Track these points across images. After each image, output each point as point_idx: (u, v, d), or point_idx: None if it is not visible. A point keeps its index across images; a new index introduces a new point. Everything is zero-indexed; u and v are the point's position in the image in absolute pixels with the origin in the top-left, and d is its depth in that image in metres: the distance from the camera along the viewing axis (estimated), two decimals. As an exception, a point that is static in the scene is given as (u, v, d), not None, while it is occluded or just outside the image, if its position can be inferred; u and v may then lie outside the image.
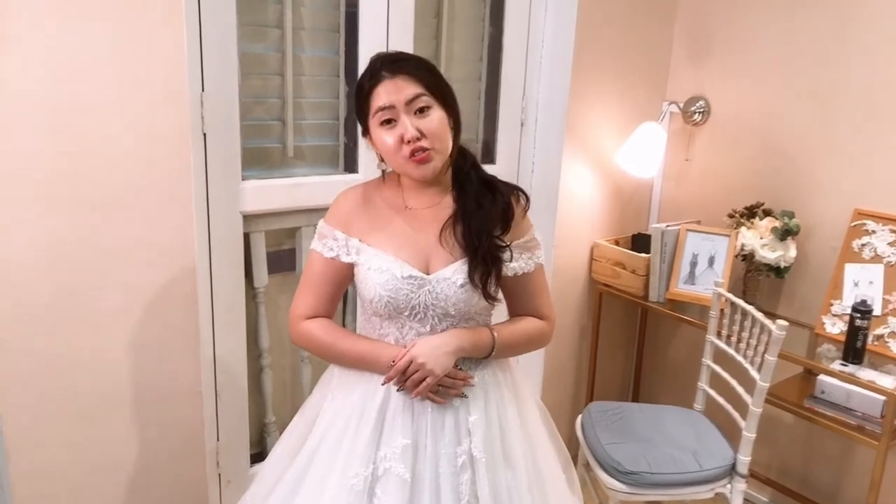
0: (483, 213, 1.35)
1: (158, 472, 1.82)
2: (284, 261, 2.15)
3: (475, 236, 1.34)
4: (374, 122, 1.33)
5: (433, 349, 1.31)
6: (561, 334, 2.67)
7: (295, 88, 2.03)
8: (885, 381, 1.95)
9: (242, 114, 1.89)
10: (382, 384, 1.34)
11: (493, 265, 1.34)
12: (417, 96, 1.31)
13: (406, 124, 1.29)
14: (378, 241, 1.37)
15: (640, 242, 2.62)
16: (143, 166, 1.63)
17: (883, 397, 1.92)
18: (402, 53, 1.39)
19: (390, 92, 1.30)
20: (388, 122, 1.31)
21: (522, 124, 2.52)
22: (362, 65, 2.04)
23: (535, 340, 1.49)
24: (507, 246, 1.38)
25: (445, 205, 1.39)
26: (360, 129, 1.41)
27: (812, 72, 2.31)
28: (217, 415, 2.00)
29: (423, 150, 1.30)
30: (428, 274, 1.35)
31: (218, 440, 2.02)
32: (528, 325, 1.47)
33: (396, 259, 1.34)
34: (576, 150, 2.51)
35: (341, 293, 1.47)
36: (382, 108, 1.30)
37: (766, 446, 2.57)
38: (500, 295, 1.44)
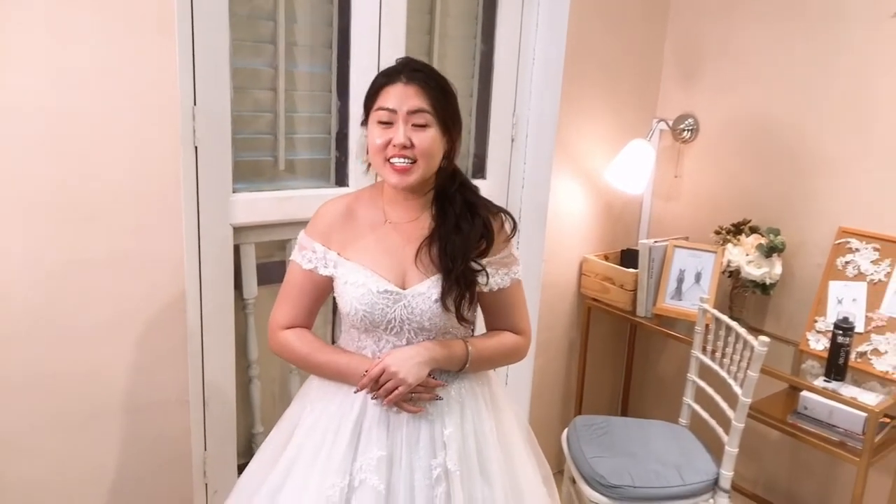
0: (461, 237, 1.37)
1: (146, 480, 1.84)
2: (274, 272, 2.17)
3: (450, 259, 1.35)
4: (373, 116, 1.36)
5: (406, 359, 1.33)
6: (549, 348, 2.69)
7: (287, 103, 2.07)
8: (867, 397, 1.96)
9: (235, 127, 1.92)
10: (355, 392, 1.36)
11: (467, 289, 1.36)
12: (420, 111, 1.33)
13: (399, 131, 1.32)
14: (356, 256, 1.39)
15: (629, 258, 2.65)
16: (134, 178, 1.66)
17: (864, 414, 1.93)
18: (427, 66, 1.40)
19: (398, 97, 1.33)
20: (386, 123, 1.34)
21: (513, 140, 2.55)
22: (354, 80, 2.12)
23: (510, 355, 1.51)
24: (483, 269, 1.39)
25: (424, 221, 1.41)
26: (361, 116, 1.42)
27: (799, 92, 2.35)
28: (205, 424, 2.02)
29: (406, 160, 1.33)
30: (404, 289, 1.37)
31: (205, 450, 2.03)
32: (503, 339, 1.49)
33: (373, 274, 1.36)
34: (566, 166, 2.54)
35: (319, 305, 1.49)
36: (384, 109, 1.33)
37: (752, 462, 2.59)
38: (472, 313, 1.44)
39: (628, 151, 2.55)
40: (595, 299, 2.66)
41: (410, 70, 1.35)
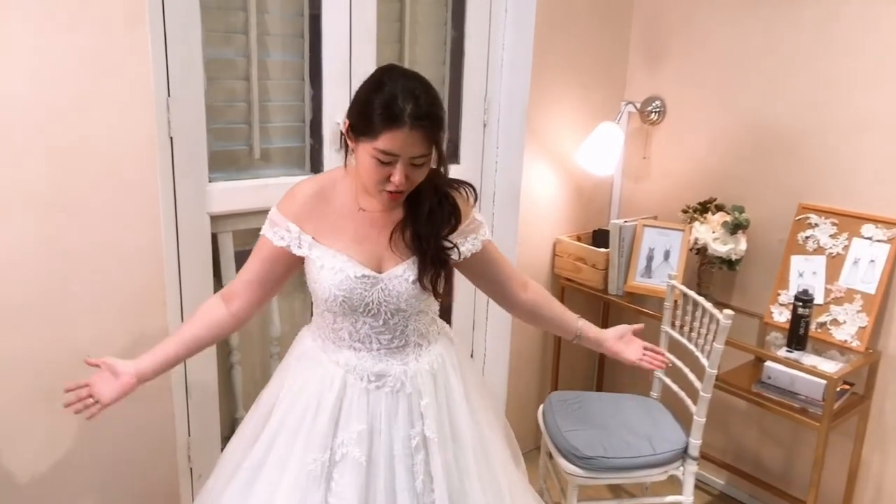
0: (432, 219, 1.40)
1: (131, 465, 1.88)
2: (253, 260, 2.21)
3: (423, 241, 1.39)
4: (368, 145, 1.30)
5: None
6: (525, 328, 2.75)
7: (261, 92, 2.09)
8: (827, 366, 2.06)
9: (209, 117, 1.95)
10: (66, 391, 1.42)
11: (442, 267, 1.41)
12: (423, 155, 1.31)
13: (399, 173, 1.30)
14: (331, 241, 1.42)
15: (601, 238, 2.72)
16: (110, 169, 1.69)
17: (824, 381, 2.02)
18: (431, 107, 1.30)
19: (402, 145, 1.28)
20: (384, 162, 1.30)
21: (485, 125, 2.59)
22: (326, 68, 2.14)
23: (551, 298, 1.71)
24: (454, 246, 1.44)
25: (397, 209, 1.44)
26: (345, 123, 1.37)
27: (760, 72, 2.42)
28: (188, 410, 2.06)
29: (400, 192, 1.34)
30: (380, 273, 1.41)
31: (189, 435, 2.07)
32: (556, 302, 1.71)
33: (349, 259, 1.40)
34: (537, 149, 2.60)
35: (281, 281, 1.49)
36: (386, 152, 1.29)
37: (721, 432, 2.68)
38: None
39: (597, 134, 2.61)
40: (568, 279, 2.73)
41: (417, 116, 1.27)
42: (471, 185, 1.51)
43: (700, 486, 2.76)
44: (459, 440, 1.48)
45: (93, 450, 1.80)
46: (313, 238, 1.43)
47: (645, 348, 1.71)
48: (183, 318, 1.98)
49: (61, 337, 1.70)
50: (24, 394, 1.67)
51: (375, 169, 1.31)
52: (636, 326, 1.72)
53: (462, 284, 2.63)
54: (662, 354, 1.72)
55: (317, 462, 1.37)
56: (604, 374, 3.02)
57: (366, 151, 1.32)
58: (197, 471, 2.12)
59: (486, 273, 1.56)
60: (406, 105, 1.26)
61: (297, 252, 1.44)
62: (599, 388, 3.02)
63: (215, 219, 2.02)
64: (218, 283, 2.10)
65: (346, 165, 1.45)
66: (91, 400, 1.42)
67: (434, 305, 1.52)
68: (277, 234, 1.44)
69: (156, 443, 1.91)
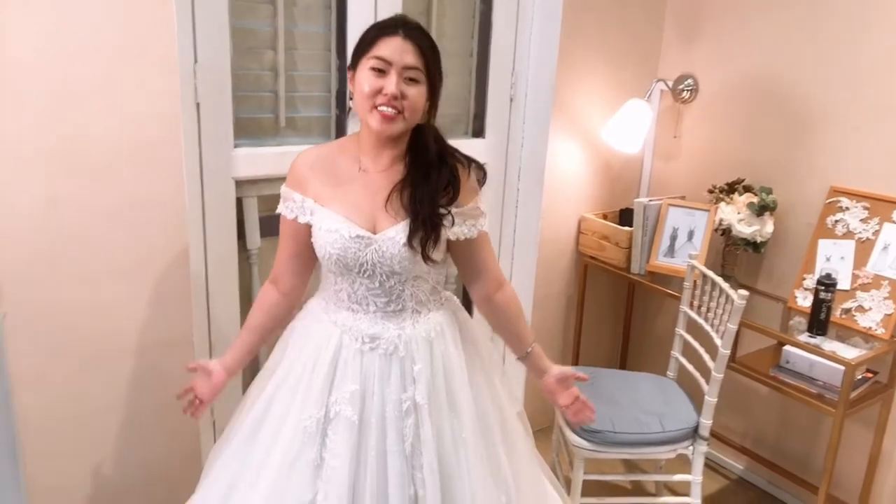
0: (430, 183, 1.43)
1: (153, 416, 1.97)
2: (276, 225, 2.26)
3: (418, 203, 1.42)
4: (364, 64, 1.40)
5: None
6: (546, 304, 2.77)
7: (287, 62, 2.14)
8: (848, 352, 2.01)
9: (236, 86, 2.01)
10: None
11: (433, 230, 1.42)
12: (414, 67, 1.39)
13: (393, 81, 1.37)
14: (331, 203, 1.46)
15: (627, 217, 2.70)
16: (137, 132, 1.76)
17: (842, 367, 1.98)
18: (421, 27, 1.45)
19: (396, 50, 1.38)
20: (379, 71, 1.39)
21: (512, 100, 2.59)
22: (352, 40, 2.15)
23: (520, 311, 1.64)
24: (449, 213, 1.45)
25: (397, 171, 1.47)
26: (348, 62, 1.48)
27: (795, 51, 2.35)
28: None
29: (394, 109, 1.38)
30: (375, 234, 1.44)
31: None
32: (516, 313, 1.63)
33: (345, 220, 1.43)
34: (564, 125, 2.59)
35: (308, 255, 1.55)
36: (381, 59, 1.38)
37: (742, 417, 2.65)
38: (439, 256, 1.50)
39: (625, 111, 2.58)
40: (592, 257, 2.72)
41: (408, 27, 1.41)
42: (479, 165, 1.53)
43: (718, 470, 2.74)
44: (457, 410, 1.50)
45: (118, 397, 1.90)
46: (314, 201, 1.48)
47: (577, 399, 1.64)
48: (207, 280, 2.07)
49: (90, 288, 1.79)
50: (53, 338, 1.77)
51: (372, 81, 1.38)
52: (581, 375, 1.64)
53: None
54: (591, 410, 1.65)
55: (312, 419, 1.43)
56: (627, 353, 3.01)
57: (364, 68, 1.40)
58: (220, 425, 2.21)
59: (470, 261, 1.56)
60: (398, 21, 1.42)
61: (303, 220, 1.49)
62: (622, 368, 3.01)
63: (240, 184, 2.09)
64: (242, 246, 2.18)
65: (347, 112, 1.50)
66: (197, 401, 1.59)
67: (436, 275, 1.54)
68: (288, 207, 1.51)
69: (175, 395, 2.00)
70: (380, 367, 1.45)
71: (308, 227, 1.50)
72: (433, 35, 2.32)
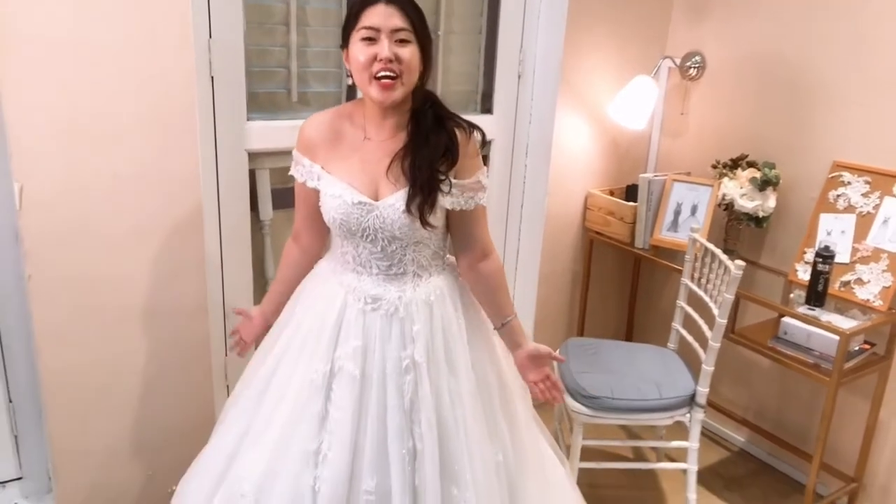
0: (429, 148, 1.48)
1: (170, 378, 2.06)
2: (289, 197, 2.33)
3: (417, 169, 1.47)
4: (355, 37, 1.45)
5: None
6: (552, 278, 2.82)
7: (299, 38, 2.21)
8: (845, 324, 2.05)
9: (249, 61, 2.08)
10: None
11: (430, 195, 1.47)
12: (402, 29, 1.43)
13: (385, 46, 1.42)
14: (337, 170, 1.53)
15: (634, 193, 2.73)
16: (155, 104, 1.84)
17: (838, 337, 2.02)
18: None
19: (381, 16, 1.42)
20: (369, 40, 1.43)
21: (520, 76, 2.64)
22: (345, 14, 2.23)
23: (503, 282, 1.67)
24: (446, 178, 1.50)
25: (400, 139, 1.53)
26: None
27: (801, 30, 2.36)
28: (225, 333, 2.24)
29: (391, 75, 1.42)
30: (377, 200, 1.50)
31: (226, 356, 2.26)
32: (499, 285, 1.65)
33: (349, 187, 1.50)
34: (571, 102, 2.63)
35: (321, 214, 1.61)
36: (369, 28, 1.43)
37: (743, 390, 2.70)
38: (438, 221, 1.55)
39: (631, 87, 2.61)
40: (598, 232, 2.77)
41: None
42: (479, 128, 1.57)
43: (720, 442, 2.80)
44: (455, 370, 1.56)
45: (136, 360, 1.99)
46: (322, 167, 1.55)
47: (547, 377, 1.67)
48: (222, 249, 2.16)
49: (110, 254, 1.88)
50: (76, 302, 1.87)
51: (364, 51, 1.43)
52: (556, 356, 1.67)
53: (491, 235, 2.72)
54: (559, 391, 1.68)
55: (318, 373, 1.51)
56: (633, 327, 3.06)
57: (355, 42, 1.45)
58: (233, 387, 2.31)
59: (462, 230, 1.60)
60: None
61: (311, 184, 1.57)
62: (628, 340, 3.06)
63: (253, 156, 2.17)
64: (255, 217, 2.26)
65: (347, 89, 1.56)
66: (242, 341, 1.82)
67: (437, 241, 1.60)
68: (298, 171, 1.60)
69: (191, 359, 2.08)
70: (381, 326, 1.52)
71: (316, 191, 1.57)
72: (442, 13, 2.42)
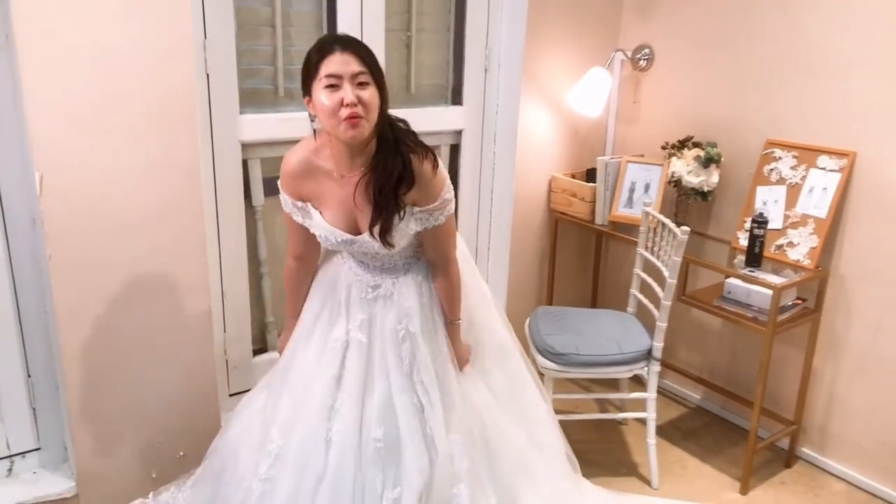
0: (386, 173, 1.63)
1: (174, 353, 2.24)
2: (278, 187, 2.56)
3: (377, 193, 1.63)
4: (318, 86, 1.57)
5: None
6: (522, 256, 3.07)
7: (284, 38, 2.42)
8: (778, 280, 2.32)
9: (240, 60, 2.28)
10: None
11: (386, 219, 1.63)
12: (361, 73, 1.57)
13: (348, 91, 1.55)
14: (322, 206, 1.74)
15: (594, 175, 2.99)
16: (158, 99, 2.03)
17: (771, 291, 2.29)
18: (350, 37, 1.64)
19: (340, 63, 1.55)
20: (333, 87, 1.55)
21: (486, 70, 2.88)
22: (341, 15, 2.46)
23: (456, 290, 1.85)
24: (403, 205, 1.66)
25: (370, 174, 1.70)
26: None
27: (737, 21, 2.64)
28: (223, 311, 2.44)
29: (357, 116, 1.55)
30: (358, 234, 1.72)
31: (225, 332, 2.46)
32: (451, 293, 1.85)
33: (332, 228, 1.72)
34: (534, 93, 2.87)
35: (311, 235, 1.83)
36: (331, 76, 1.55)
37: (697, 351, 2.97)
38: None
39: (588, 79, 2.87)
40: (562, 213, 3.02)
41: (341, 42, 1.59)
42: (431, 151, 1.69)
43: (678, 400, 3.07)
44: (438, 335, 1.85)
45: (146, 336, 2.17)
46: (311, 203, 1.76)
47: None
48: (219, 232, 2.35)
49: (120, 242, 2.06)
50: (93, 285, 2.05)
51: (330, 97, 1.55)
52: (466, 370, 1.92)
53: (465, 219, 2.95)
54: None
55: (339, 341, 1.80)
56: (597, 297, 3.32)
57: (318, 92, 1.58)
58: (232, 363, 2.51)
59: (427, 240, 1.79)
60: (332, 39, 1.61)
61: (297, 220, 1.80)
62: (593, 307, 3.31)
63: (246, 147, 2.37)
64: (248, 203, 2.46)
65: (314, 132, 1.71)
66: None
67: (408, 252, 1.83)
68: (288, 208, 1.81)
69: (195, 335, 2.26)
70: (381, 305, 1.80)
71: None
72: (413, 12, 2.65)
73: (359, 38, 1.72)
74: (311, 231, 1.79)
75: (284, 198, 1.80)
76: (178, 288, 2.21)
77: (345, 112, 1.55)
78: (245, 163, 2.41)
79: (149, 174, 2.07)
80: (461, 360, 1.89)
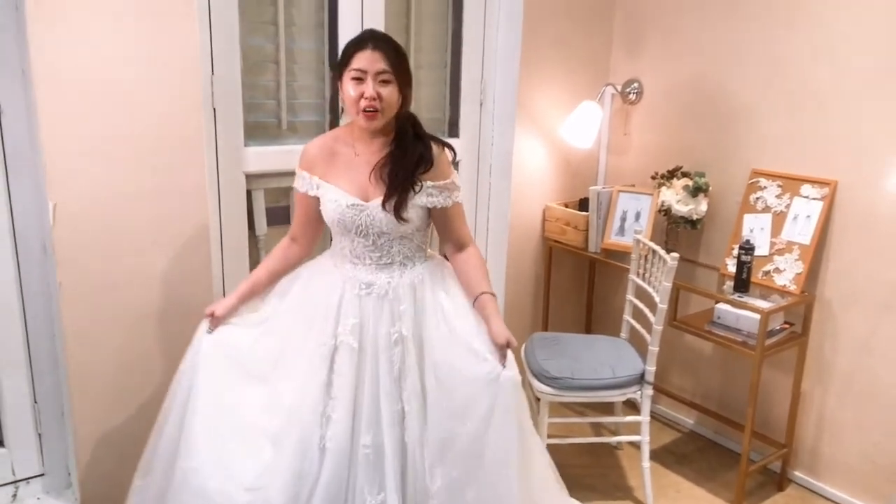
0: (406, 157, 1.82)
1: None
2: (280, 215, 2.64)
3: (394, 172, 1.81)
4: (347, 76, 1.79)
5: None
6: (518, 282, 3.14)
7: (287, 74, 2.52)
8: (765, 305, 2.40)
9: (245, 94, 2.37)
10: None
11: (402, 193, 1.80)
12: (384, 71, 1.77)
13: (370, 86, 1.76)
14: (333, 179, 1.87)
15: (585, 204, 3.08)
16: (168, 130, 2.12)
17: (759, 316, 2.36)
18: (387, 36, 1.84)
19: (368, 60, 1.76)
20: (358, 79, 1.77)
21: (482, 104, 2.98)
22: (341, 52, 2.55)
23: (483, 265, 1.98)
24: (419, 181, 1.81)
25: (384, 154, 1.86)
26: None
27: (721, 56, 2.76)
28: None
29: (374, 109, 1.77)
30: (367, 202, 1.83)
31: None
32: (477, 266, 1.95)
33: (344, 193, 1.84)
34: (527, 125, 2.98)
35: (317, 219, 1.95)
36: (358, 69, 1.76)
37: (691, 376, 3.03)
38: (412, 218, 1.83)
39: (579, 112, 2.98)
40: (556, 241, 3.10)
41: (375, 39, 1.80)
42: (451, 147, 1.92)
43: (672, 425, 3.12)
44: (423, 342, 1.86)
45: (150, 358, 2.22)
46: (321, 178, 1.87)
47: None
48: (223, 260, 2.42)
49: (129, 267, 2.13)
50: (100, 313, 2.11)
51: (354, 88, 1.77)
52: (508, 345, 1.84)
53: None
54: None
55: (325, 346, 1.81)
56: (591, 322, 3.38)
57: (346, 79, 1.79)
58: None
59: (443, 224, 1.94)
60: (368, 35, 1.81)
61: (312, 193, 1.90)
62: (587, 333, 3.37)
63: (250, 177, 2.45)
64: (252, 232, 2.53)
65: (341, 113, 1.88)
66: (216, 318, 1.94)
67: (420, 236, 1.92)
68: (300, 183, 1.92)
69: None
70: (374, 307, 1.83)
71: (316, 198, 1.89)
72: (412, 49, 2.76)
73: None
74: (322, 204, 1.86)
75: (300, 173, 1.91)
76: (183, 311, 2.26)
77: (364, 104, 1.76)
78: (249, 193, 2.48)
79: (157, 203, 2.15)
80: (501, 333, 1.81)
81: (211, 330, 1.92)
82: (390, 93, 1.79)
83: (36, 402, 2.21)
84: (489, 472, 1.77)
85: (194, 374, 1.87)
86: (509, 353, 1.82)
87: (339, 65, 1.84)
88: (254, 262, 2.56)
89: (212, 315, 1.93)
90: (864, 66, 2.37)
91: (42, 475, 2.27)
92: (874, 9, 2.33)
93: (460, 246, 1.97)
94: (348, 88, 1.79)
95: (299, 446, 1.75)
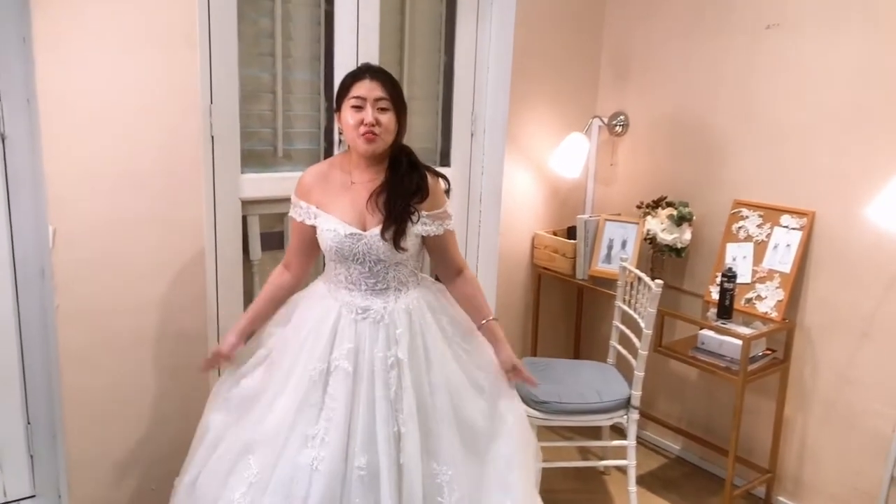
0: (402, 187, 1.89)
1: (173, 399, 2.32)
2: (275, 241, 2.69)
3: (391, 202, 1.87)
4: (346, 105, 1.87)
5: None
6: (508, 310, 3.19)
7: (284, 104, 2.59)
8: (747, 331, 2.46)
9: (242, 122, 2.44)
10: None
11: (400, 224, 1.86)
12: (382, 98, 1.86)
13: (369, 112, 1.84)
14: (330, 209, 1.91)
15: (573, 232, 3.15)
16: (166, 158, 2.18)
17: (741, 342, 2.42)
18: (381, 68, 1.93)
19: (367, 88, 1.85)
20: (357, 107, 1.85)
21: (472, 135, 3.06)
22: (337, 86, 2.63)
23: (480, 288, 2.07)
24: (416, 211, 1.88)
25: (379, 182, 1.92)
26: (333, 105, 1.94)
27: (703, 91, 2.87)
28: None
29: (374, 133, 1.85)
30: (364, 231, 1.88)
31: (220, 375, 2.52)
32: (475, 291, 2.05)
33: (341, 221, 1.88)
34: (517, 156, 3.06)
35: (312, 249, 2.00)
36: (357, 97, 1.85)
37: (677, 402, 3.08)
38: (410, 246, 1.90)
39: (567, 143, 3.07)
40: (545, 268, 3.17)
41: (373, 70, 1.90)
42: (445, 177, 2.00)
43: (659, 451, 3.16)
44: (431, 365, 1.91)
45: (146, 384, 2.25)
46: (318, 207, 1.93)
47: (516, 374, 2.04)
48: (218, 285, 2.46)
49: (126, 290, 2.17)
50: (96, 336, 2.14)
51: (353, 115, 1.85)
52: (524, 377, 2.06)
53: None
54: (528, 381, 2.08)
55: (316, 370, 1.84)
56: (580, 348, 3.43)
57: (346, 110, 1.87)
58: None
59: (438, 252, 2.01)
60: (365, 67, 1.92)
61: (309, 222, 1.95)
62: (576, 359, 3.41)
63: (246, 204, 2.51)
64: (246, 257, 2.58)
65: (339, 144, 1.94)
66: (224, 358, 2.04)
67: (414, 262, 1.98)
68: (296, 212, 1.97)
69: (194, 384, 2.34)
70: (370, 331, 1.87)
71: (312, 227, 1.94)
72: (405, 81, 2.85)
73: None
74: (318, 233, 1.91)
75: (296, 201, 1.96)
76: (178, 336, 2.30)
77: (363, 129, 1.85)
78: (244, 219, 2.54)
79: (155, 229, 2.20)
80: (509, 359, 2.01)
81: (219, 368, 2.01)
82: (388, 119, 1.87)
83: (29, 423, 2.22)
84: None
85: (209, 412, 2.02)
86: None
87: (337, 97, 1.92)
88: (248, 286, 2.61)
89: (219, 354, 2.02)
90: (837, 104, 2.47)
91: (33, 497, 2.27)
92: (847, 50, 2.44)
93: (456, 271, 2.04)
94: (347, 117, 1.87)
95: (286, 467, 1.78)
